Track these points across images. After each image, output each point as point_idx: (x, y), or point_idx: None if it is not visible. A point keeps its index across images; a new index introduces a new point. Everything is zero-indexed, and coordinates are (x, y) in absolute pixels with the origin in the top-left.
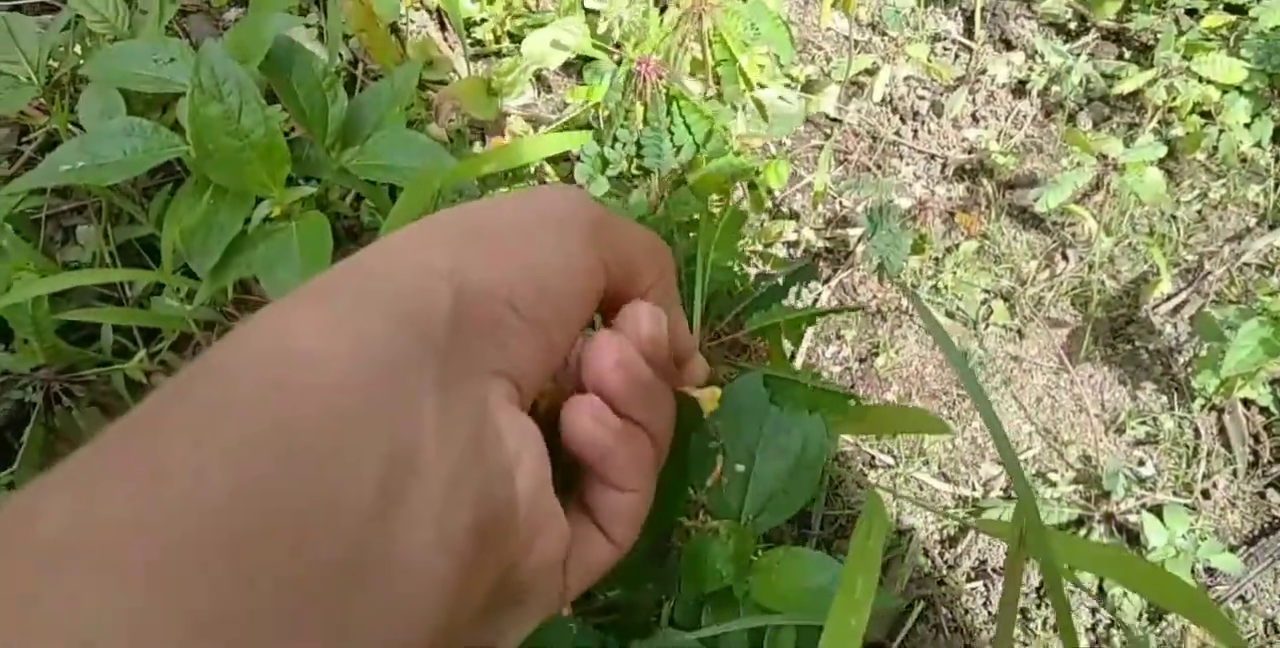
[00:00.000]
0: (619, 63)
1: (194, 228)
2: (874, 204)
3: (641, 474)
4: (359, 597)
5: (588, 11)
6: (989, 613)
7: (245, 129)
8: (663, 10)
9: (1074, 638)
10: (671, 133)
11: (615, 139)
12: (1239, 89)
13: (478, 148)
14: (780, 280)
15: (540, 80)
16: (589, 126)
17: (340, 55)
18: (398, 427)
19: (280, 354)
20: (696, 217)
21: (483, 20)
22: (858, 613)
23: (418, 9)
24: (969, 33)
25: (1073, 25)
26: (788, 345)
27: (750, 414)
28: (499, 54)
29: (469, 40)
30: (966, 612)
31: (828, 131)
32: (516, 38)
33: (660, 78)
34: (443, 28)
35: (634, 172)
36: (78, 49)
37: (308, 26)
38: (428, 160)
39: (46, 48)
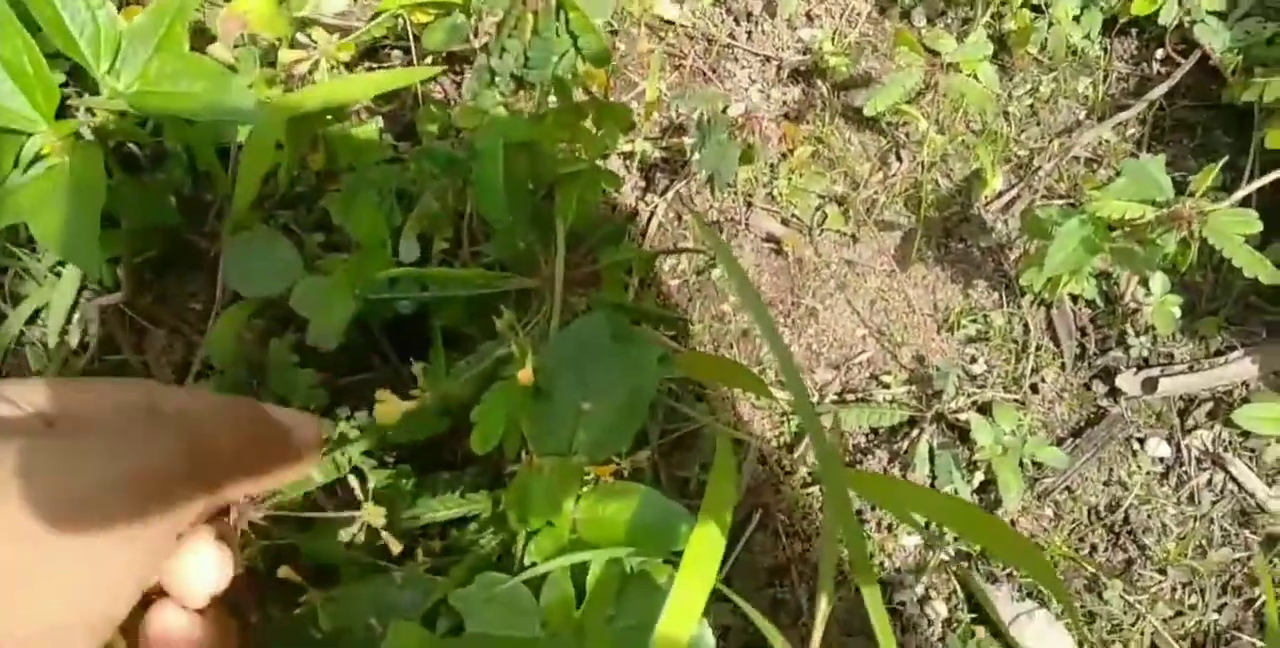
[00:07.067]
0: None
1: None
2: (703, 115)
3: None
4: None
5: None
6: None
7: (5, 60)
8: None
9: (870, 572)
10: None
11: (504, 49)
12: None
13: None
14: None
15: None
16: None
17: None
18: None
19: None
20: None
21: None
22: (713, 554)
23: None
24: None
25: None
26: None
27: (590, 351)
28: None
29: None
30: (804, 517)
31: (662, 35)
32: None
33: None
34: None
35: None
36: None
37: None
38: (213, 86)
39: None
